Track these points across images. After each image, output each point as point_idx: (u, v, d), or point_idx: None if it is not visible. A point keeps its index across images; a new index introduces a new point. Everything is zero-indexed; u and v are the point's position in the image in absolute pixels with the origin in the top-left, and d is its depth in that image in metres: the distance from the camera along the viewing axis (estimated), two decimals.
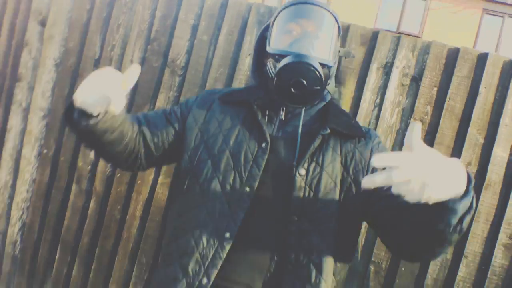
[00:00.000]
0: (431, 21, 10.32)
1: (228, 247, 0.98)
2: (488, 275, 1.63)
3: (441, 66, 1.67)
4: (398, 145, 1.72)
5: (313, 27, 1.07)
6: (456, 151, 1.66)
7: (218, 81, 1.85)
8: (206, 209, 1.02)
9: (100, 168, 2.00)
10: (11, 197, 2.14)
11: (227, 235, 0.99)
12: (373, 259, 1.74)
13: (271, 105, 1.10)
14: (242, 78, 1.82)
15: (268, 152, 1.03)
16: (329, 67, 1.05)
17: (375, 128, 1.75)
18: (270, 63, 1.05)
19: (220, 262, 0.99)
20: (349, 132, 1.08)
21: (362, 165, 1.04)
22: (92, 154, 2.01)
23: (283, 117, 1.09)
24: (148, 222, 1.91)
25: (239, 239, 0.99)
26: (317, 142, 1.03)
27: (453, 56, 1.66)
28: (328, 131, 1.05)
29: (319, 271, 0.99)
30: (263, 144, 1.04)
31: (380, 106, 1.74)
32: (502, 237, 1.62)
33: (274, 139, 1.05)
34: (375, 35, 1.74)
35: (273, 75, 1.02)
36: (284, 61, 0.99)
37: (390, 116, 1.73)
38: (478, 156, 1.65)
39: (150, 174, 1.92)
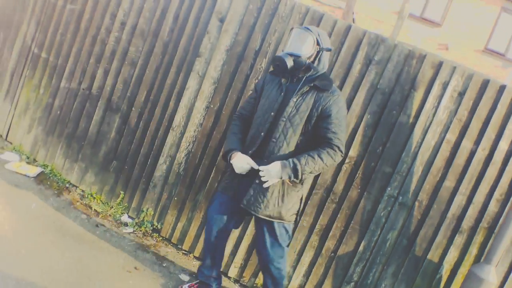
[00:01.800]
0: (453, 12, 12.50)
1: (263, 135, 2.90)
2: None
3: (477, 89, 3.27)
4: (444, 130, 3.32)
5: (298, 39, 2.87)
6: None
7: (336, 77, 3.43)
8: (257, 120, 2.96)
9: None
10: (182, 133, 3.75)
11: (262, 132, 2.90)
12: None
13: (290, 76, 2.93)
14: (351, 79, 3.40)
15: (283, 95, 2.88)
16: (301, 57, 2.84)
17: (432, 119, 3.33)
18: None
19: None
20: (322, 87, 2.85)
21: (322, 106, 2.81)
22: None
23: (294, 80, 2.92)
24: None
25: (266, 134, 2.90)
26: (304, 89, 2.85)
27: (484, 83, 3.24)
28: (312, 84, 2.85)
29: (288, 144, 2.85)
30: (282, 93, 2.90)
31: (437, 108, 3.33)
32: None
33: (288, 90, 2.90)
34: (440, 63, 3.32)
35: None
36: (277, 54, 3.19)
37: (442, 113, 3.33)
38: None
39: None
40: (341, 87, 3.41)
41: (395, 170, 3.38)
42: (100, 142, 4.08)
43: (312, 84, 2.84)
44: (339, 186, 3.45)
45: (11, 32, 4.81)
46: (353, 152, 3.40)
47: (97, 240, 3.59)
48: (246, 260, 3.66)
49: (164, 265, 3.58)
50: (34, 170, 4.20)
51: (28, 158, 4.40)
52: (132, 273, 3.34)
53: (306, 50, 2.86)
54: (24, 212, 3.60)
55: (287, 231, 2.98)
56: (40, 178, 4.18)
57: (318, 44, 2.88)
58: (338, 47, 3.44)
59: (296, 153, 2.84)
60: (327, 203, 3.47)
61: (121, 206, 4.01)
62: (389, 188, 3.40)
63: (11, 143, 4.56)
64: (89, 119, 4.12)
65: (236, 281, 3.69)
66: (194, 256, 3.79)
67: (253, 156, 2.89)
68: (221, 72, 3.66)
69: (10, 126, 4.55)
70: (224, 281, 3.59)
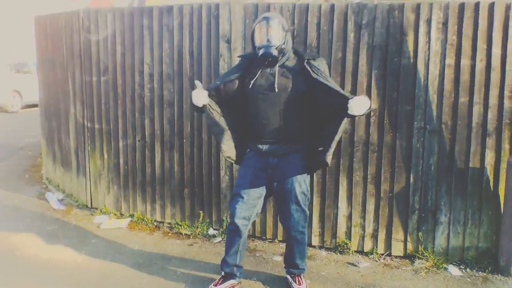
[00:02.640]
0: None
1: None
2: None
3: (456, 15, 3.91)
4: (442, 58, 3.96)
5: (269, 29, 3.19)
6: None
7: (338, 50, 4.14)
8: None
9: None
10: None
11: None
12: None
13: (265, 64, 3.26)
14: (350, 47, 4.11)
15: (268, 83, 3.28)
16: (280, 46, 3.21)
17: (429, 52, 3.99)
18: (257, 50, 3.23)
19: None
20: (312, 58, 3.31)
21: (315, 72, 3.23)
22: None
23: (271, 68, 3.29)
24: None
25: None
26: (297, 70, 3.31)
27: (461, 7, 3.88)
28: (305, 61, 3.27)
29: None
30: (266, 82, 3.29)
31: (429, 41, 3.99)
32: None
33: (268, 78, 3.27)
34: (418, 5, 3.98)
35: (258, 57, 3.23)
36: (260, 52, 3.18)
37: (435, 45, 3.98)
38: None
39: None
40: (344, 56, 4.12)
41: (415, 105, 4.04)
42: (168, 178, 4.92)
43: (305, 61, 3.26)
44: (374, 136, 4.14)
45: (62, 118, 5.78)
46: (374, 104, 4.09)
47: (196, 255, 4.39)
48: (322, 227, 4.37)
49: (257, 254, 4.35)
50: (124, 222, 5.08)
51: (115, 214, 5.29)
52: None
53: (280, 38, 3.22)
54: (131, 254, 4.44)
55: (305, 195, 3.44)
56: (131, 225, 5.05)
57: (283, 28, 3.26)
58: (330, 26, 4.16)
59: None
60: (369, 154, 4.16)
61: (204, 223, 4.82)
62: (415, 122, 4.06)
63: (96, 208, 5.47)
64: (152, 163, 4.97)
65: (320, 247, 4.42)
66: (279, 240, 4.54)
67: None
68: None
69: (91, 195, 5.47)
70: (310, 251, 4.32)
